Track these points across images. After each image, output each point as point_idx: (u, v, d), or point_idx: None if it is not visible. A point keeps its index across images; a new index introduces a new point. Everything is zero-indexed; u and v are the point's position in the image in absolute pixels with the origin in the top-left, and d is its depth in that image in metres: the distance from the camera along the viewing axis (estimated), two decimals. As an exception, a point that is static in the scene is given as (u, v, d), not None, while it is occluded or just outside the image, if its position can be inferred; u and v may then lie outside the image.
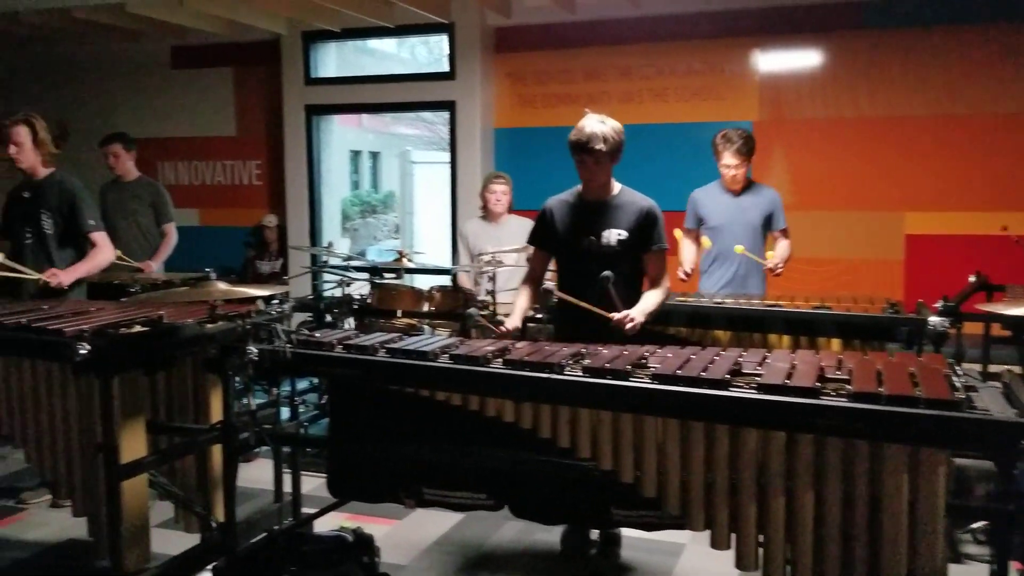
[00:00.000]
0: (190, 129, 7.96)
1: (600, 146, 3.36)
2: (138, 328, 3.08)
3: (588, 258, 3.51)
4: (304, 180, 7.47)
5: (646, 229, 3.52)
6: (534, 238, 3.72)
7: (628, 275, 3.54)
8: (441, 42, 7.04)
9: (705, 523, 2.46)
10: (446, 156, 6.99)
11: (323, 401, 4.84)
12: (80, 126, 7.04)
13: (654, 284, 3.58)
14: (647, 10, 6.35)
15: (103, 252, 4.40)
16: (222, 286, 3.06)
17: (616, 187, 3.60)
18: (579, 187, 3.63)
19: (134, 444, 3.04)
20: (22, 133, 4.28)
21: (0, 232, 4.52)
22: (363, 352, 2.87)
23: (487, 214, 5.37)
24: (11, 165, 4.40)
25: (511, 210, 5.43)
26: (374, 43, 9.71)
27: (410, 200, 11.07)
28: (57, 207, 4.32)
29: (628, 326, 3.30)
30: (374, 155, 20.99)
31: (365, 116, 19.21)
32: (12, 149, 4.28)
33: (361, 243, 14.31)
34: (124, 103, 8.04)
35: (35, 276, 4.17)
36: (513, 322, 3.48)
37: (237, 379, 2.95)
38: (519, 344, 2.93)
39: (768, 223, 4.75)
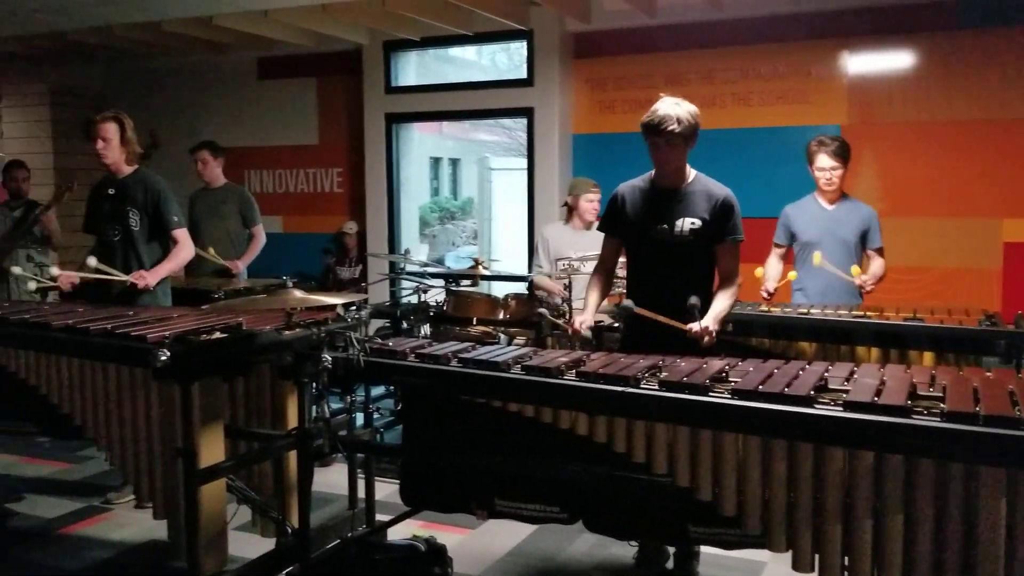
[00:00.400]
0: (275, 138, 8.13)
1: (673, 127, 3.21)
2: (217, 335, 3.12)
3: (659, 248, 3.36)
4: (383, 187, 7.54)
5: (721, 219, 3.34)
6: (604, 224, 3.58)
7: (699, 267, 3.37)
8: (520, 49, 7.01)
9: (787, 544, 2.36)
10: (525, 163, 6.97)
11: (398, 408, 4.85)
12: (170, 136, 7.26)
13: (725, 280, 3.38)
14: (730, 13, 6.21)
15: (184, 249, 4.50)
16: (299, 293, 3.08)
17: (691, 174, 3.43)
18: (652, 173, 3.48)
19: (212, 449, 3.07)
20: (111, 129, 4.40)
21: (86, 229, 4.65)
22: (435, 362, 2.85)
23: (574, 220, 5.29)
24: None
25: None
26: (454, 51, 9.76)
27: (488, 206, 11.09)
28: (143, 204, 4.41)
29: (706, 340, 3.16)
30: (454, 162, 21.16)
31: (445, 123, 19.40)
32: (99, 144, 4.40)
33: (439, 249, 14.43)
34: (213, 113, 8.25)
35: (123, 278, 4.27)
36: (585, 319, 3.37)
37: (313, 386, 2.97)
38: (594, 356, 2.87)
39: (863, 240, 4.54)
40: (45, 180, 8.17)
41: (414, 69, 7.61)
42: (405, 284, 5.64)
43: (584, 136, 6.87)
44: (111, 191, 4.50)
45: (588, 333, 3.36)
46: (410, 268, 5.54)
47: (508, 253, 10.77)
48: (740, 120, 6.31)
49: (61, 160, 8.50)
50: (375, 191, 7.59)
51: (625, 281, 3.63)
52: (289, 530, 3.31)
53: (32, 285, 4.53)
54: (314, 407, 3.08)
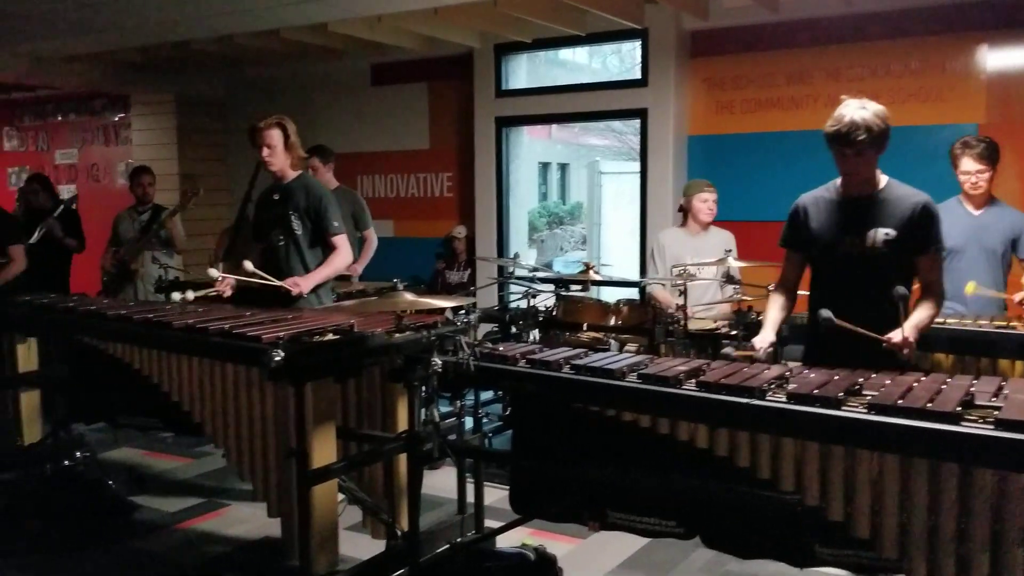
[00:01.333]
0: (387, 143, 8.22)
1: (862, 136, 2.93)
2: (330, 336, 3.13)
3: (849, 262, 3.09)
4: (493, 192, 7.52)
5: (919, 228, 3.04)
6: (786, 239, 3.35)
7: (893, 281, 2.98)
8: (633, 50, 6.88)
9: (928, 571, 2.18)
10: (636, 166, 6.83)
11: (507, 413, 4.79)
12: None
13: (927, 292, 3.09)
14: (859, 7, 5.91)
15: (341, 256, 4.43)
16: (409, 296, 3.05)
17: (882, 180, 3.16)
18: (837, 181, 3.22)
19: (325, 450, 3.08)
20: (274, 136, 4.32)
21: (254, 236, 4.67)
22: (547, 368, 2.77)
23: (690, 224, 5.13)
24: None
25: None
26: (563, 54, 9.68)
27: (598, 211, 10.97)
28: (305, 209, 4.37)
29: (906, 351, 2.84)
30: (563, 166, 21.09)
31: (555, 128, 19.34)
32: (264, 152, 4.34)
33: (548, 254, 14.36)
34: (327, 119, 8.41)
35: (277, 284, 4.24)
36: (765, 337, 3.13)
37: (422, 389, 2.93)
38: (714, 364, 2.73)
39: (1013, 247, 4.20)
40: (169, 186, 8.51)
41: (524, 72, 7.57)
42: (513, 288, 5.58)
43: (700, 138, 6.68)
44: (276, 196, 4.47)
45: (766, 353, 3.11)
46: (519, 272, 5.48)
47: (618, 258, 10.63)
48: (866, 119, 5.99)
49: (185, 166, 8.83)
50: (485, 195, 7.58)
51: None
52: (399, 533, 3.29)
53: (190, 295, 4.48)
54: (423, 410, 3.05)
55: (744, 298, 4.34)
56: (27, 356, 4.60)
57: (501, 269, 7.41)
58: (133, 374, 3.75)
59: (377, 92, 8.25)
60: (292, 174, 4.46)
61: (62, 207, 7.02)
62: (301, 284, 4.26)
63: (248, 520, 4.31)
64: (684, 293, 4.36)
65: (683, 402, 2.48)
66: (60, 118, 10.18)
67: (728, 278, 4.31)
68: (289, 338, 3.00)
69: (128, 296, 6.51)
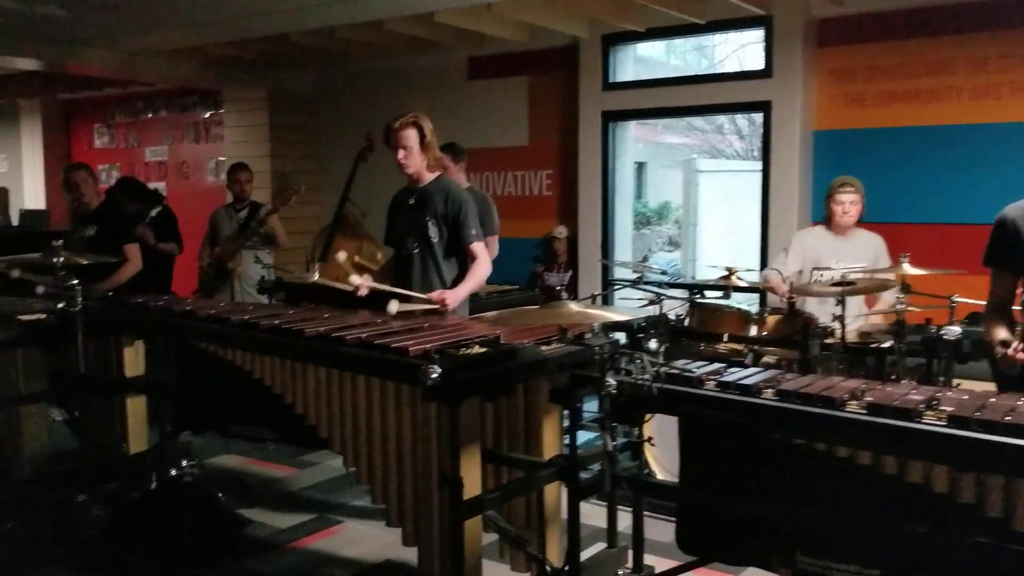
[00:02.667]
0: (484, 140, 7.91)
1: None
2: (477, 349, 2.81)
3: None
4: (597, 190, 7.16)
5: None
6: (991, 258, 3.01)
7: None
8: (748, 38, 6.45)
9: None
10: (732, 164, 6.43)
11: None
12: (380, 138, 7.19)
13: None
14: (1011, -11, 5.41)
15: (483, 264, 4.07)
16: (575, 307, 2.69)
17: None
18: None
19: (471, 476, 2.76)
20: (410, 136, 3.97)
21: (386, 241, 4.39)
22: (743, 392, 2.40)
23: (832, 225, 4.71)
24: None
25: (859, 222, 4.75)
26: (646, 48, 9.13)
27: (694, 211, 10.52)
28: (444, 215, 4.03)
29: None
30: (640, 165, 20.57)
31: (632, 124, 18.79)
32: (400, 154, 4.01)
33: (635, 256, 13.88)
34: (426, 113, 8.13)
35: (424, 298, 3.87)
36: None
37: (579, 411, 2.59)
38: (949, 393, 2.33)
39: None
40: (261, 183, 8.33)
41: (633, 64, 7.19)
42: (630, 293, 5.20)
43: (827, 133, 6.22)
44: (411, 201, 4.12)
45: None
46: (624, 275, 5.09)
47: (714, 260, 10.18)
48: (1020, 114, 5.48)
49: (277, 164, 8.67)
50: (588, 194, 7.22)
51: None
52: (548, 569, 2.96)
53: (394, 307, 4.14)
54: (603, 437, 2.70)
55: (911, 308, 3.89)
56: (134, 360, 4.39)
57: (605, 270, 7.08)
58: (249, 382, 3.49)
59: (474, 86, 7.96)
60: (429, 176, 4.11)
61: (151, 214, 6.88)
62: (449, 298, 3.87)
63: (365, 540, 4.03)
64: (842, 303, 3.94)
65: (924, 439, 2.09)
66: (150, 115, 10.13)
67: (904, 287, 3.86)
68: (438, 351, 2.68)
69: (225, 297, 6.32)
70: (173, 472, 4.24)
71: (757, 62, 6.64)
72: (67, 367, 4.26)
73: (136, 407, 4.43)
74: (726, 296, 4.48)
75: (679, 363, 2.61)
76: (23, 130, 11.00)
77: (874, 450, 2.17)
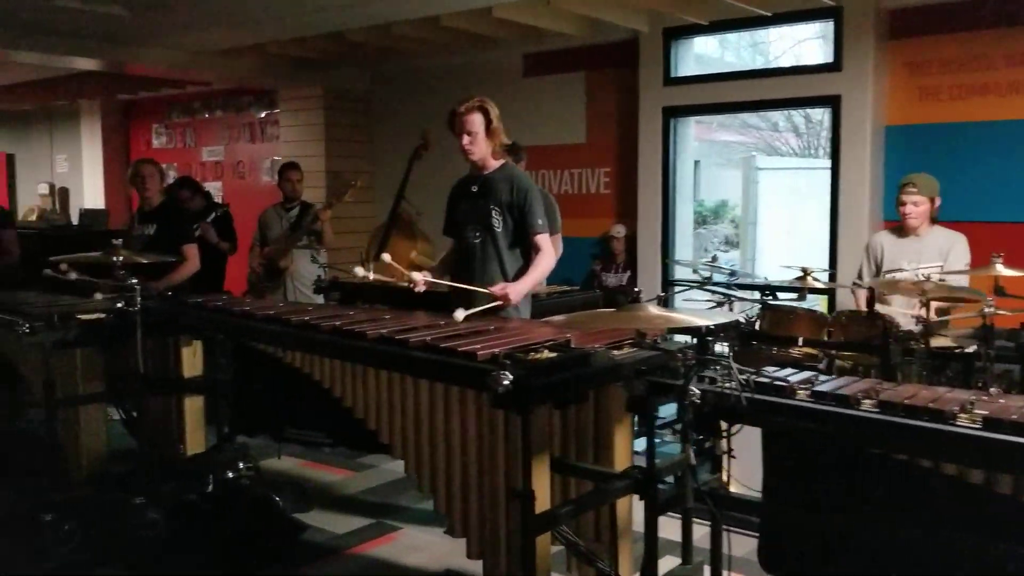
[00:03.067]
0: (539, 137, 7.76)
1: None
2: (547, 353, 2.67)
3: None
4: (658, 188, 6.97)
5: None
6: None
7: None
8: (816, 29, 6.22)
9: None
10: (792, 162, 6.20)
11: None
12: (435, 139, 7.11)
13: None
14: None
15: (547, 257, 3.92)
16: (654, 310, 2.53)
17: None
18: None
19: (541, 488, 2.62)
20: (476, 121, 3.82)
21: (446, 231, 4.25)
22: (840, 403, 2.23)
23: (902, 225, 4.50)
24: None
25: (935, 221, 4.52)
26: (732, 37, 8.91)
27: (753, 210, 10.26)
28: (509, 204, 3.87)
29: None
30: (694, 163, 20.22)
31: (692, 121, 18.38)
32: (465, 139, 3.86)
33: (694, 256, 13.59)
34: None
35: (486, 295, 3.70)
36: None
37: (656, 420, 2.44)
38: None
39: None
40: (315, 182, 8.31)
41: (695, 58, 6.99)
42: (694, 295, 5.03)
43: (899, 128, 5.96)
44: (474, 188, 3.97)
45: None
46: (683, 276, 4.90)
47: (774, 260, 9.91)
48: (1111, 106, 5.19)
49: (332, 163, 8.63)
50: (648, 192, 7.04)
51: None
52: (620, 586, 2.81)
53: (367, 274, 4.04)
54: (648, 446, 2.55)
55: (1000, 312, 3.66)
56: (192, 360, 4.35)
57: (666, 270, 6.90)
58: (305, 384, 3.41)
59: (529, 83, 7.82)
60: (494, 164, 3.97)
61: (215, 213, 6.88)
62: (511, 291, 3.71)
63: (424, 548, 3.92)
64: (927, 305, 3.72)
65: (1048, 458, 1.90)
66: (207, 115, 10.18)
67: (997, 289, 3.64)
68: (507, 356, 2.55)
69: (278, 296, 6.28)
70: (230, 474, 4.18)
71: (818, 57, 6.41)
72: (125, 367, 4.23)
73: (193, 408, 4.40)
74: (801, 298, 4.28)
75: (767, 371, 2.44)
76: (83, 130, 11.14)
77: (989, 468, 1.99)
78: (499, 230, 3.89)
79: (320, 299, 6.07)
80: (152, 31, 6.85)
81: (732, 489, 3.73)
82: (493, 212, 3.89)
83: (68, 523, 3.87)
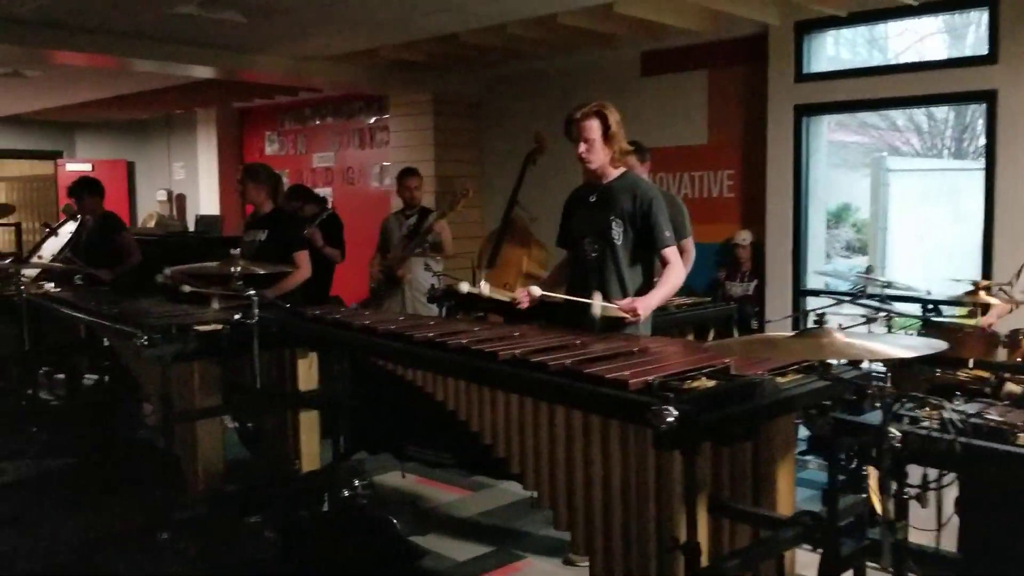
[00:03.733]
0: (658, 139, 7.38)
1: None
2: (705, 382, 2.36)
3: None
4: (788, 191, 6.54)
5: None
6: None
7: None
8: (929, 32, 5.68)
9: None
10: (925, 163, 5.69)
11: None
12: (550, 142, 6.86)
13: None
14: None
15: (677, 271, 3.61)
16: (839, 337, 2.15)
17: None
18: None
19: (701, 535, 2.31)
20: (593, 127, 3.53)
21: (560, 242, 3.99)
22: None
23: None
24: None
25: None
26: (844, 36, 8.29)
27: (884, 214, 9.62)
28: (631, 215, 3.58)
29: None
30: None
31: (825, 120, 17.43)
32: (581, 147, 3.58)
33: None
34: (592, 114, 7.76)
35: (614, 307, 3.42)
36: None
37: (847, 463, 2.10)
38: None
39: None
40: (426, 188, 8.16)
41: (830, 52, 6.53)
42: (838, 308, 4.59)
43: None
44: (592, 198, 3.68)
45: None
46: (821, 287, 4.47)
47: (905, 268, 9.28)
48: None
49: (442, 168, 8.48)
50: (778, 196, 6.60)
51: None
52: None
53: (486, 288, 3.87)
54: (830, 493, 2.20)
55: None
56: (308, 373, 4.20)
57: (797, 280, 6.47)
58: (428, 401, 3.19)
59: (648, 83, 7.49)
60: (613, 172, 3.67)
61: (321, 216, 6.79)
62: (640, 306, 3.43)
63: (551, 580, 3.65)
64: None
65: None
66: (318, 122, 10.20)
67: None
68: (661, 384, 2.25)
69: (395, 305, 6.12)
70: (346, 493, 4.00)
71: (940, 52, 5.86)
72: (241, 380, 4.12)
73: (309, 423, 4.26)
74: (972, 315, 3.83)
75: (970, 408, 2.07)
76: (199, 138, 11.35)
77: None
78: (619, 243, 3.59)
79: (434, 309, 5.90)
80: (266, 37, 6.82)
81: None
82: (613, 224, 3.59)
83: (184, 542, 3.77)
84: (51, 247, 7.62)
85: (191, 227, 11.24)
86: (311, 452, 4.25)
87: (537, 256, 6.56)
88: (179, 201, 11.78)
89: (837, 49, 13.02)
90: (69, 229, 7.69)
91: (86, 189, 6.44)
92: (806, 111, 6.41)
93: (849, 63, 6.60)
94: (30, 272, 6.50)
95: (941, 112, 16.74)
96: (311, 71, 7.60)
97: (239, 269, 3.72)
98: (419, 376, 3.17)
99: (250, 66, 7.38)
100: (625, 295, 3.56)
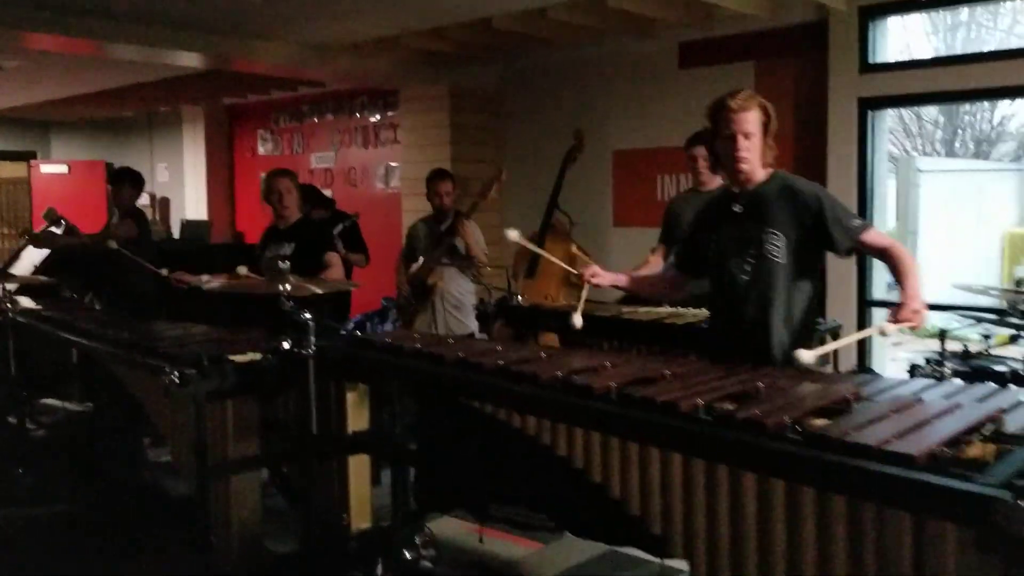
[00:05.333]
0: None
1: None
2: (983, 447, 1.76)
3: None
4: (852, 190, 5.98)
5: None
6: None
7: None
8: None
9: None
10: (959, 164, 5.21)
11: None
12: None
13: None
14: None
15: (899, 248, 2.95)
16: None
17: None
18: None
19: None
20: (753, 120, 2.93)
21: (681, 265, 3.38)
22: None
23: None
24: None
25: None
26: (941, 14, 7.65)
27: (914, 216, 9.14)
28: (795, 221, 2.92)
29: None
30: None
31: (888, 114, 16.58)
32: (741, 144, 2.94)
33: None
34: (624, 110, 7.18)
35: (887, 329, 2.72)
36: None
37: None
38: None
39: None
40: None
41: (898, 39, 6.00)
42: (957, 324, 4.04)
43: None
44: (737, 208, 3.03)
45: None
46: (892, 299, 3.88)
47: (938, 275, 8.82)
48: None
49: (459, 168, 7.79)
50: (840, 196, 6.00)
51: None
52: None
53: (578, 320, 3.28)
54: None
55: None
56: (358, 409, 3.53)
57: (863, 288, 5.92)
58: (530, 452, 2.58)
59: (686, 76, 6.90)
60: (762, 175, 3.03)
61: (343, 224, 6.13)
62: (919, 307, 2.67)
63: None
64: None
65: None
66: (316, 119, 9.51)
67: None
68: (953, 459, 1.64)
69: (425, 319, 5.47)
70: (406, 555, 3.36)
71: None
72: (275, 416, 3.47)
73: (359, 469, 3.58)
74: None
75: None
76: (185, 138, 10.61)
77: None
78: (782, 261, 2.93)
79: (474, 325, 5.29)
80: (272, 21, 6.11)
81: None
82: (772, 238, 2.93)
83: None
84: (31, 257, 6.90)
85: (176, 233, 10.50)
86: (361, 504, 3.57)
87: (582, 263, 5.95)
88: (162, 205, 11.02)
89: (905, 36, 12.43)
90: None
91: (129, 180, 6.02)
92: (872, 104, 5.86)
93: (918, 52, 6.10)
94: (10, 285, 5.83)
95: (966, 109, 16.11)
96: (317, 62, 6.91)
97: (288, 286, 3.05)
98: (540, 427, 2.53)
99: (252, 54, 6.66)
100: (792, 321, 2.95)
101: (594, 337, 4.15)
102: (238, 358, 3.23)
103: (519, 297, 4.86)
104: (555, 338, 4.62)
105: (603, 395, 2.27)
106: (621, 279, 3.47)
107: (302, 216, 4.72)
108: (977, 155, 15.04)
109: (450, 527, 4.11)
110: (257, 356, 3.25)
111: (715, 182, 4.50)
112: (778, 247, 2.90)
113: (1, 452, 4.67)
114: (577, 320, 3.30)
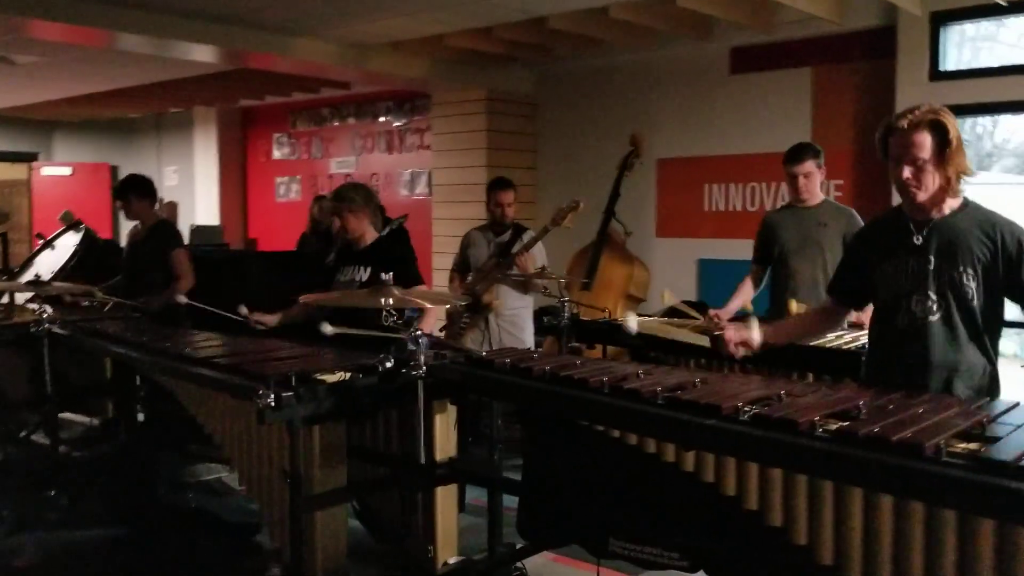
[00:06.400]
0: (749, 144, 6.61)
1: None
2: None
3: None
4: (919, 204, 5.73)
5: None
6: None
7: None
8: None
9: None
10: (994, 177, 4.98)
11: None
12: (623, 146, 6.01)
13: None
14: None
15: None
16: None
17: None
18: None
19: None
20: (924, 144, 2.55)
21: (833, 288, 3.06)
22: None
23: None
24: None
25: None
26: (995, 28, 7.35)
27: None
28: (989, 260, 2.57)
29: None
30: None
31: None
32: (906, 171, 2.57)
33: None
34: (672, 116, 6.94)
35: None
36: None
37: None
38: None
39: None
40: (472, 197, 7.24)
41: (969, 46, 5.76)
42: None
43: None
44: (918, 240, 2.63)
45: None
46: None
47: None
48: None
49: (494, 176, 7.51)
50: (905, 209, 5.79)
51: None
52: None
53: (633, 323, 2.98)
54: None
55: None
56: (445, 434, 3.20)
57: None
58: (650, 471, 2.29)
59: (737, 81, 6.67)
60: (950, 203, 2.62)
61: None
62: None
63: None
64: None
65: None
66: (337, 123, 9.19)
67: None
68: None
69: (477, 336, 5.14)
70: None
71: None
72: (365, 445, 3.15)
73: (446, 498, 3.25)
74: None
75: None
76: (196, 141, 10.25)
77: None
78: (975, 303, 2.59)
79: (523, 341, 5.02)
80: (301, 16, 5.75)
81: None
82: (964, 279, 2.58)
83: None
84: (48, 262, 6.53)
85: (185, 239, 10.12)
86: (448, 537, 3.25)
87: (640, 277, 5.67)
88: (171, 210, 10.63)
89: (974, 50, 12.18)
90: (71, 242, 6.62)
91: (132, 189, 5.22)
92: (944, 114, 5.61)
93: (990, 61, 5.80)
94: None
95: (987, 122, 15.90)
96: (351, 60, 6.57)
97: (391, 301, 2.73)
98: (701, 461, 2.23)
99: (272, 50, 6.24)
100: (987, 368, 2.62)
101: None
102: (327, 377, 2.90)
103: (573, 308, 4.54)
104: (623, 351, 4.32)
105: (807, 431, 1.96)
106: (771, 337, 2.97)
107: (378, 236, 4.33)
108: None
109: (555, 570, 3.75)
110: (346, 376, 2.93)
111: (817, 198, 4.21)
112: (973, 288, 2.57)
113: (32, 473, 4.32)
114: (632, 323, 3.00)
